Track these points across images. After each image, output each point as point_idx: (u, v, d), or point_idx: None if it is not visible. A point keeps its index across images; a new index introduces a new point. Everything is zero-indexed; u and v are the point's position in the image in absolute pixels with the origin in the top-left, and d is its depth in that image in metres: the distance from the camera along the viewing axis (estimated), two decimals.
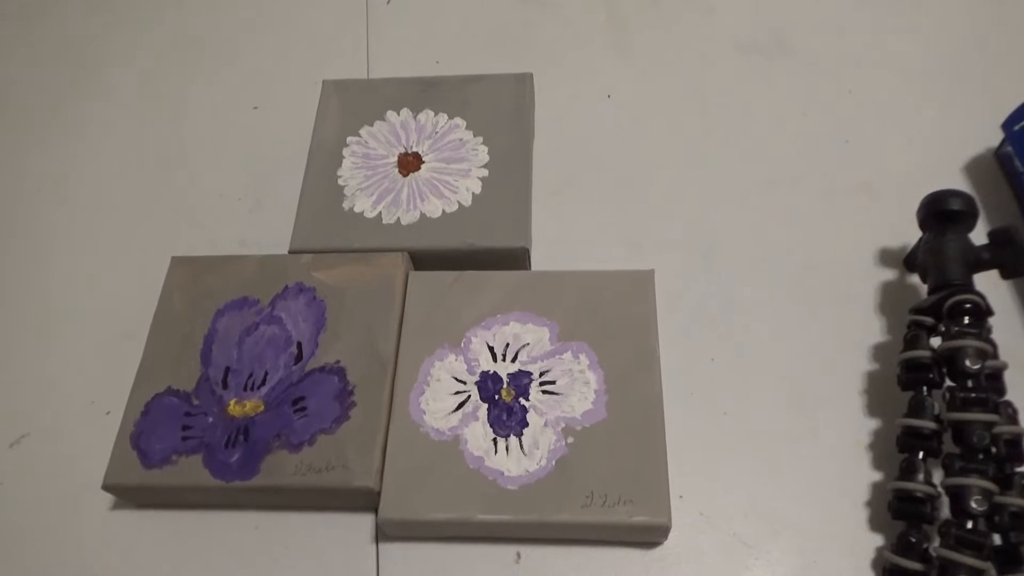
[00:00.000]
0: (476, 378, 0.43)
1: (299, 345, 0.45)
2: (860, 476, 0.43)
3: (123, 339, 0.50)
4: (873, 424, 0.44)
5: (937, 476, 0.39)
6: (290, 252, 0.49)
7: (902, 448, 0.40)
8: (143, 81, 0.64)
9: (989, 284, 0.44)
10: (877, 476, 0.43)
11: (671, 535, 0.41)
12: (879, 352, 0.46)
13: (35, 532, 0.45)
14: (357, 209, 0.50)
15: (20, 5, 0.70)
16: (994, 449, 0.38)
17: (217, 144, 0.60)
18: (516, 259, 0.48)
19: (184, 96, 0.62)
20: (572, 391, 0.42)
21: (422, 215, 0.49)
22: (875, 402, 0.45)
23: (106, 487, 0.42)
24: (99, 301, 0.53)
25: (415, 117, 0.53)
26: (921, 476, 0.39)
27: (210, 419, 0.43)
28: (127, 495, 0.44)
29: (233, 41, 0.65)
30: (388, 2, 0.65)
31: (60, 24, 0.68)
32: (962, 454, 0.38)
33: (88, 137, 0.61)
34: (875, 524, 0.41)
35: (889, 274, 0.49)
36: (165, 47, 0.66)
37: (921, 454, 0.39)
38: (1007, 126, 0.49)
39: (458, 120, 0.53)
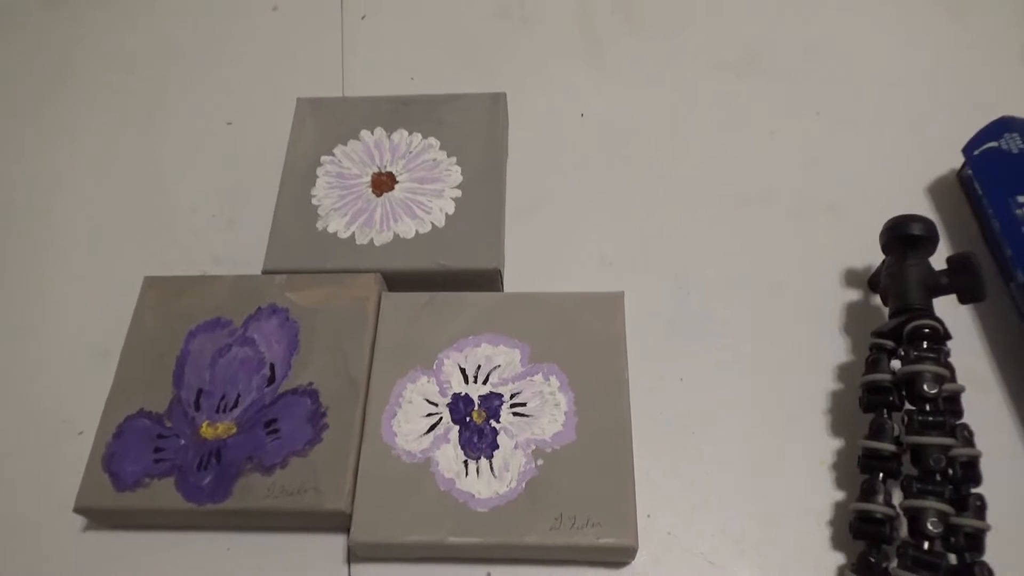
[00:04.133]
0: (448, 400, 0.44)
1: (272, 367, 0.45)
2: (824, 496, 0.44)
3: (96, 358, 0.50)
4: (837, 444, 0.45)
5: (897, 497, 0.40)
6: (263, 272, 0.49)
7: (863, 469, 0.41)
8: (116, 95, 0.63)
9: (948, 308, 0.45)
10: (840, 496, 0.44)
11: (639, 554, 0.42)
12: (843, 372, 0.47)
13: (5, 553, 0.45)
14: (331, 229, 0.50)
15: None
16: (951, 471, 0.39)
17: (190, 160, 0.59)
18: (488, 280, 0.49)
19: (158, 110, 0.62)
20: (542, 413, 0.43)
21: (395, 236, 0.49)
22: (839, 422, 0.46)
23: (78, 510, 0.42)
24: (71, 318, 0.53)
25: (389, 136, 0.54)
26: (881, 497, 0.40)
27: (182, 441, 0.43)
28: (99, 517, 0.44)
29: (208, 56, 0.65)
30: (363, 18, 0.66)
31: (31, 37, 0.68)
32: (920, 476, 0.39)
33: (60, 151, 0.61)
34: (837, 543, 0.42)
35: (854, 294, 0.50)
36: (139, 61, 0.65)
37: (881, 476, 0.40)
38: (967, 151, 0.50)
39: (432, 140, 0.53)
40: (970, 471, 0.39)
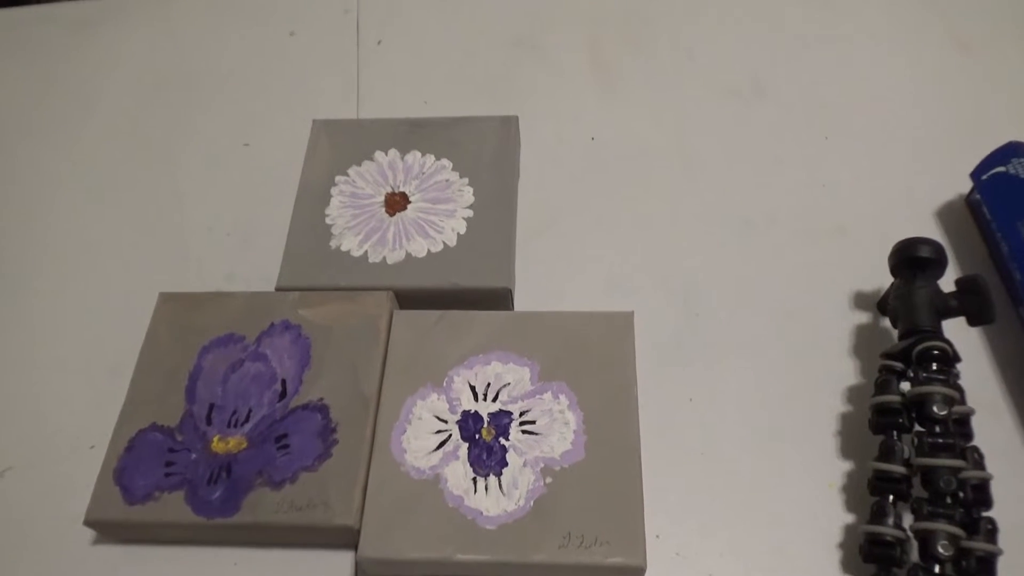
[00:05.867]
0: (457, 417, 0.44)
1: (283, 382, 0.45)
2: (833, 518, 0.43)
3: (109, 373, 0.50)
4: (846, 466, 0.45)
5: (907, 520, 0.40)
6: (277, 289, 0.50)
7: (873, 491, 0.41)
8: (133, 116, 0.65)
9: (958, 331, 0.45)
10: (850, 518, 0.43)
11: (647, 575, 0.41)
12: (853, 394, 0.47)
13: (17, 566, 0.45)
14: (344, 248, 0.51)
15: (9, 37, 0.71)
16: (961, 494, 0.38)
17: (208, 179, 0.61)
18: (499, 299, 0.49)
19: (176, 131, 0.64)
20: (551, 431, 0.43)
21: (408, 254, 0.50)
22: (848, 444, 0.46)
23: (88, 523, 0.42)
24: (86, 334, 0.54)
25: (402, 157, 0.55)
26: (891, 520, 0.39)
27: (193, 456, 0.43)
28: (109, 530, 0.44)
29: (226, 80, 0.66)
30: (379, 43, 0.67)
31: (50, 57, 0.70)
32: (930, 499, 0.39)
33: (80, 170, 0.62)
34: (847, 566, 0.42)
35: (863, 317, 0.50)
36: (158, 82, 0.67)
37: (891, 498, 0.40)
38: (976, 175, 0.51)
39: (445, 161, 0.54)
40: (981, 494, 0.39)
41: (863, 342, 0.49)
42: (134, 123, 0.65)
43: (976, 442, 0.41)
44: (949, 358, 0.41)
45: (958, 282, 0.43)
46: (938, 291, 0.44)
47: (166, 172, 0.61)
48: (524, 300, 0.52)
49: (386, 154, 0.55)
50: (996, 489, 0.39)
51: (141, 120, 0.65)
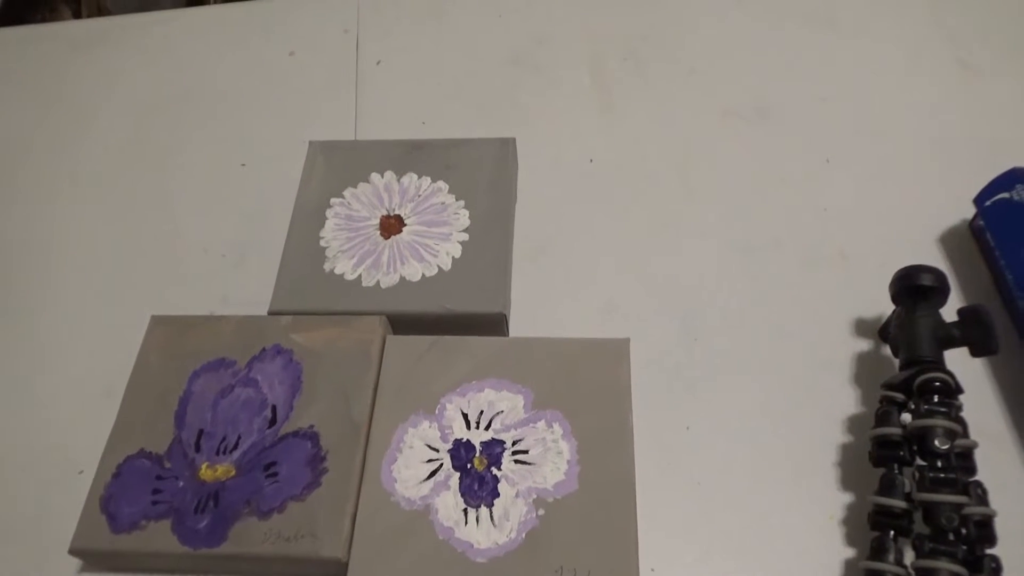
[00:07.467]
0: (449, 446, 0.43)
1: (274, 408, 0.45)
2: (833, 552, 0.42)
3: (101, 397, 0.50)
4: (847, 498, 0.44)
5: (909, 556, 0.39)
6: (269, 313, 0.49)
7: (873, 526, 0.40)
8: (132, 135, 0.65)
9: (961, 361, 0.44)
10: (850, 552, 0.42)
11: None
12: (853, 424, 0.46)
13: None
14: (338, 271, 0.50)
15: (8, 55, 0.71)
16: (964, 531, 0.37)
17: (204, 200, 0.60)
18: (494, 324, 0.49)
19: (173, 151, 0.63)
20: (545, 461, 0.42)
21: (402, 278, 0.49)
22: (849, 475, 0.45)
23: (73, 551, 0.42)
24: (79, 356, 0.53)
25: (399, 180, 0.54)
26: (891, 556, 0.38)
27: (181, 483, 0.43)
28: (94, 559, 0.44)
29: (225, 99, 0.66)
30: (378, 63, 0.67)
31: (47, 77, 0.70)
32: (932, 535, 0.38)
33: (74, 189, 0.62)
34: None
35: (864, 344, 0.49)
36: (155, 102, 0.67)
37: (892, 533, 0.39)
38: (979, 201, 0.50)
39: (441, 184, 0.54)
40: (984, 531, 0.38)
41: (864, 370, 0.48)
42: (132, 142, 0.64)
43: (979, 476, 0.40)
44: (951, 390, 0.40)
45: (960, 312, 0.42)
46: (940, 321, 0.43)
47: (162, 192, 0.61)
48: (520, 325, 0.51)
49: (382, 176, 0.54)
50: (1000, 526, 0.38)
51: (138, 139, 0.65)
